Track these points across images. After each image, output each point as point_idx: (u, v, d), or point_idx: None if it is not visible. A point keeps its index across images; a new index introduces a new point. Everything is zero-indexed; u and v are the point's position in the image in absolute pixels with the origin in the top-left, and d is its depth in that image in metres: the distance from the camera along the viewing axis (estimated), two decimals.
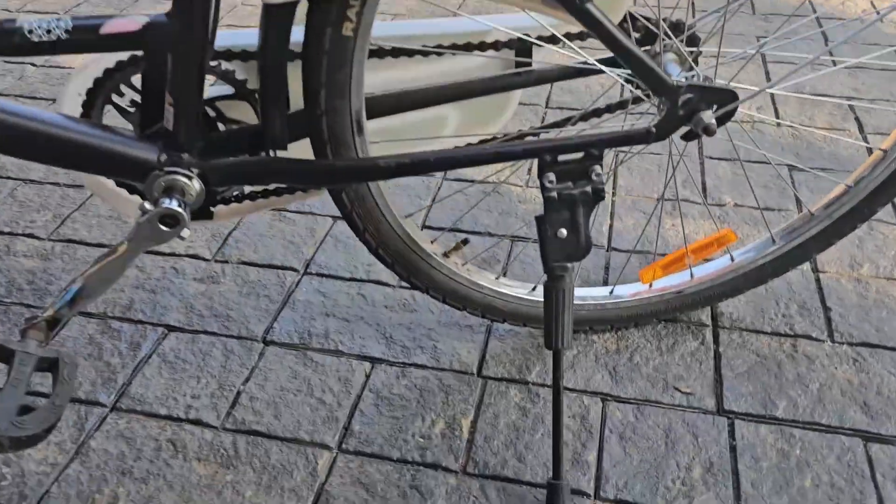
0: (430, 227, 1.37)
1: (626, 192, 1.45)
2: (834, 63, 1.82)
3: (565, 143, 0.82)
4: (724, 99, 0.82)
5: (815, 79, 1.79)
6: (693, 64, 0.87)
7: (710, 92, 0.81)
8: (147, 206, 0.80)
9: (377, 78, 0.89)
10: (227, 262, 1.28)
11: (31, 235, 1.34)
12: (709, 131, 0.81)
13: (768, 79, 1.81)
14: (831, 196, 1.03)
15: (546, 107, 1.72)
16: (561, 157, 0.83)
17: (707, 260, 1.13)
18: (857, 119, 1.66)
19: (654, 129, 0.82)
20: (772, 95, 1.71)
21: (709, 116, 0.81)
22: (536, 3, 0.72)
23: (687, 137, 0.85)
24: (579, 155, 0.83)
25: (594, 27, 0.72)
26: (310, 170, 0.83)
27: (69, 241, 1.33)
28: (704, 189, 1.45)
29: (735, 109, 0.83)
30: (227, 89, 0.87)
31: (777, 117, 1.67)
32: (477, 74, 0.91)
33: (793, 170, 1.49)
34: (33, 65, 1.95)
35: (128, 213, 0.94)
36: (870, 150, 1.54)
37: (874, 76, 1.82)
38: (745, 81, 1.79)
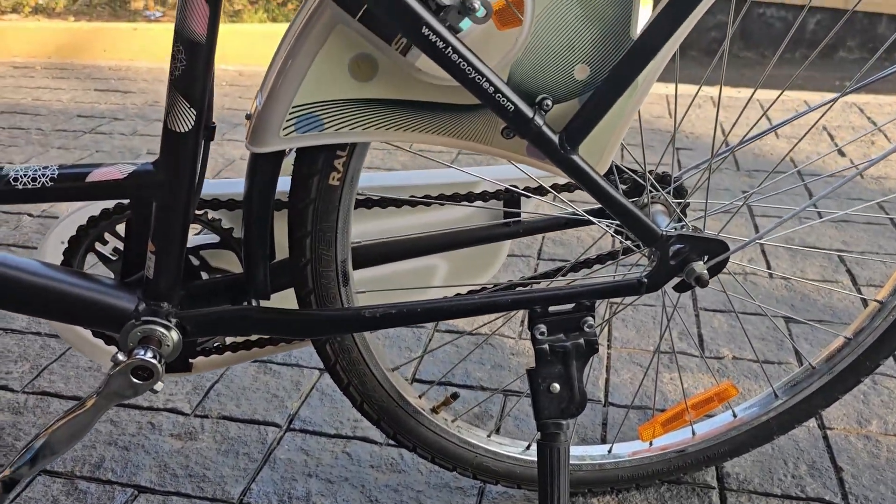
0: (420, 381, 1.32)
1: (621, 344, 1.41)
2: (820, 215, 1.85)
3: (556, 294, 0.80)
4: (715, 249, 0.81)
5: (804, 232, 1.81)
6: (681, 215, 0.86)
7: (700, 242, 0.80)
8: (120, 356, 0.76)
9: (364, 227, 0.89)
10: (207, 416, 1.22)
11: (4, 388, 1.28)
12: (701, 282, 0.79)
13: (757, 231, 1.83)
14: (832, 349, 1.00)
15: (538, 258, 1.72)
16: (552, 309, 0.81)
17: (709, 416, 1.08)
18: (848, 271, 1.66)
19: (645, 280, 0.80)
20: (762, 247, 1.72)
21: (700, 267, 0.80)
22: (524, 156, 0.72)
23: (679, 288, 0.83)
24: (571, 306, 0.81)
25: (582, 179, 0.72)
26: (292, 320, 0.80)
27: (44, 393, 1.27)
28: (701, 341, 1.42)
29: (727, 259, 0.82)
30: (213, 238, 0.86)
31: (769, 269, 1.67)
32: (466, 225, 0.90)
33: (789, 321, 1.47)
34: (30, 215, 1.97)
35: (106, 364, 0.90)
36: (865, 301, 1.52)
37: (860, 229, 1.84)
38: (733, 234, 1.81)
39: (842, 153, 2.34)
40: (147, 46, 3.56)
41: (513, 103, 0.67)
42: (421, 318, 0.79)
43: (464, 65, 0.65)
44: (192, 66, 0.67)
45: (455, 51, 0.64)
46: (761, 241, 0.94)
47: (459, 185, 0.88)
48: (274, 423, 1.21)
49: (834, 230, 1.84)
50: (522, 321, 1.47)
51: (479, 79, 0.65)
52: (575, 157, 0.71)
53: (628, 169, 0.88)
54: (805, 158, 2.30)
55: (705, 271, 0.80)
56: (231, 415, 1.23)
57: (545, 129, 0.69)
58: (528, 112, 0.68)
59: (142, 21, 4.42)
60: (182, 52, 0.67)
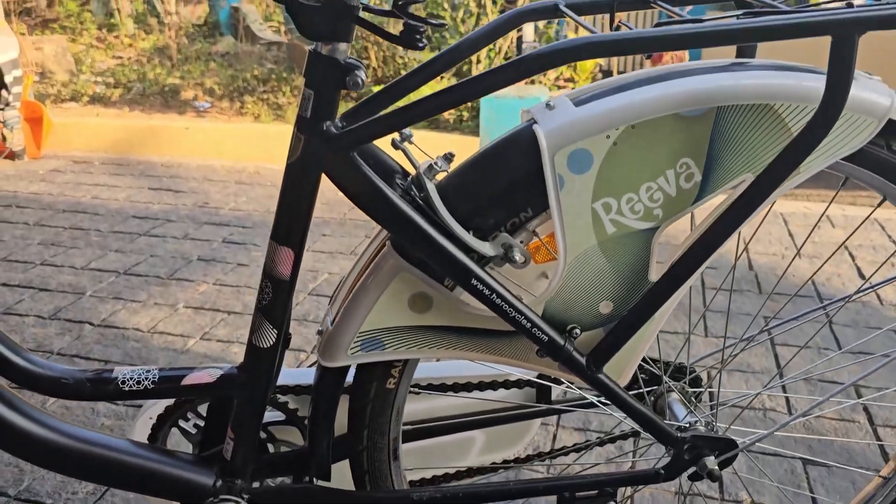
0: None
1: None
2: (839, 345, 1.92)
3: (582, 482, 0.90)
4: (726, 447, 0.90)
5: (823, 365, 1.88)
6: (696, 405, 0.96)
7: (711, 441, 0.90)
8: None
9: (413, 408, 1.00)
10: None
11: None
12: (713, 477, 0.89)
13: (777, 363, 1.91)
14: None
15: (557, 426, 1.77)
16: (579, 494, 0.91)
17: None
18: (865, 409, 1.72)
19: (662, 472, 0.90)
20: (783, 387, 1.80)
21: (712, 462, 0.90)
22: (555, 371, 0.83)
23: (694, 478, 0.93)
24: (595, 492, 0.91)
25: (607, 394, 0.83)
26: (348, 501, 0.91)
27: None
28: (721, 484, 1.49)
29: (736, 455, 0.91)
30: (280, 415, 0.98)
31: (788, 405, 1.74)
32: (503, 405, 1.01)
33: (807, 464, 1.54)
34: (90, 324, 2.12)
35: None
36: (881, 448, 1.59)
37: (878, 361, 1.91)
38: (755, 365, 1.89)
39: (862, 276, 2.42)
40: (197, 145, 3.78)
41: (547, 334, 0.79)
42: (464, 501, 0.90)
43: (506, 306, 0.76)
44: (277, 298, 0.80)
45: (499, 296, 0.76)
46: (777, 432, 1.03)
47: (499, 374, 1.00)
48: None
49: (853, 364, 1.91)
50: None
51: (518, 316, 0.77)
52: (601, 376, 0.82)
53: (648, 359, 0.99)
54: (825, 280, 2.38)
55: (716, 466, 0.89)
56: None
57: (574, 353, 0.81)
58: (560, 340, 0.80)
59: (191, 112, 4.69)
60: (269, 286, 0.80)
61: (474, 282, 0.75)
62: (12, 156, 3.65)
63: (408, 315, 0.79)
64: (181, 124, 3.89)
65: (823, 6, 0.67)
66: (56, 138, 3.85)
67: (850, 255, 2.58)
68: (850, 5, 0.66)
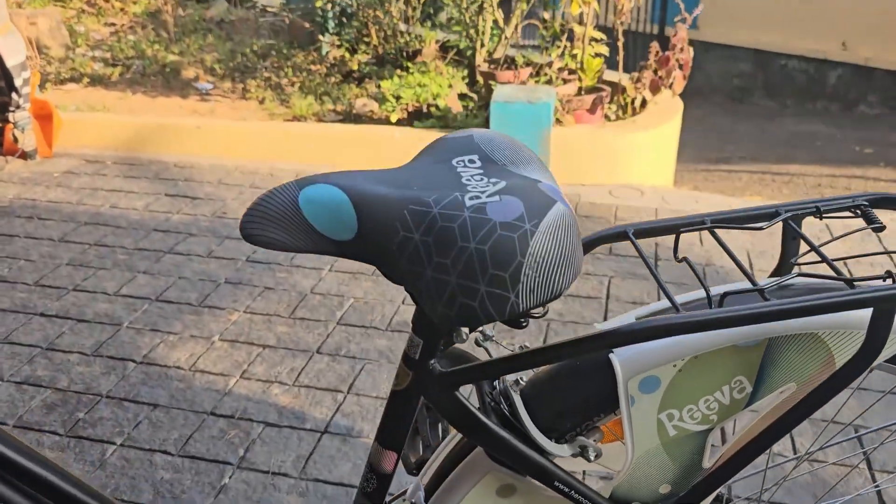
0: None
1: None
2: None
3: None
4: None
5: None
6: None
7: None
8: None
9: None
10: None
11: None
12: None
13: None
14: None
15: None
16: None
17: None
18: (864, 451, 1.88)
19: None
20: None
21: None
22: None
23: None
24: None
25: None
26: None
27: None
28: None
29: None
30: None
31: (794, 448, 1.89)
32: None
33: None
34: (133, 361, 2.22)
35: None
36: (878, 494, 1.74)
37: (874, 396, 2.06)
38: None
39: None
40: (209, 143, 3.81)
41: None
42: None
43: (584, 500, 0.88)
44: (380, 486, 0.91)
45: (577, 491, 0.88)
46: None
47: None
48: None
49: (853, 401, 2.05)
50: None
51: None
52: None
53: None
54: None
55: None
56: None
57: None
58: None
59: (194, 96, 4.69)
60: (374, 478, 0.91)
61: (557, 483, 0.86)
62: (24, 156, 3.68)
63: (494, 500, 0.91)
64: (191, 122, 3.91)
65: (868, 283, 0.76)
66: (66, 135, 3.87)
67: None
68: (890, 277, 0.76)
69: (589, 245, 0.88)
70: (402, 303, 2.50)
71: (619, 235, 0.88)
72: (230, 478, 1.79)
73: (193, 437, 1.92)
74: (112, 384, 2.12)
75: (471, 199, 0.70)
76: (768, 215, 0.88)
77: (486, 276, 0.68)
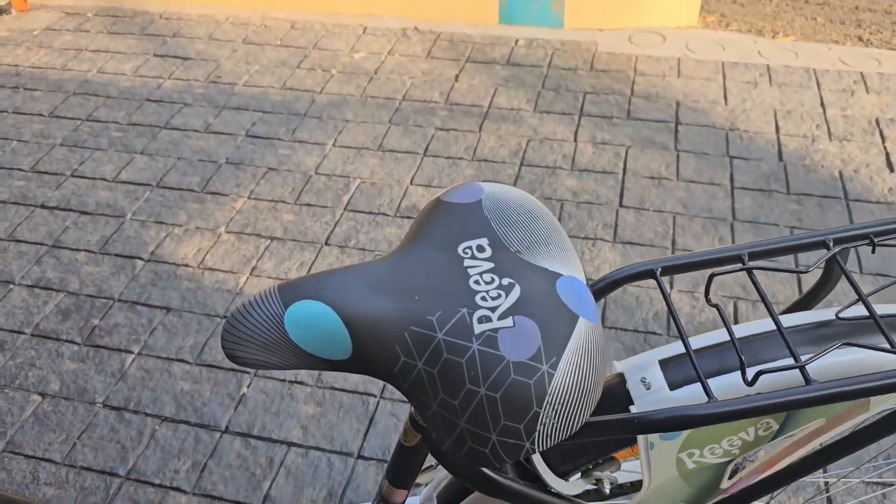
0: None
1: None
2: None
3: None
4: None
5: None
6: None
7: None
8: None
9: None
10: None
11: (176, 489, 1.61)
12: None
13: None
14: None
15: None
16: None
17: None
18: None
19: None
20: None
21: None
22: None
23: None
24: None
25: None
26: None
27: (209, 496, 1.60)
28: None
29: None
30: None
31: None
32: None
33: None
34: (141, 259, 2.20)
35: None
36: None
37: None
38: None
39: (890, 165, 2.43)
40: None
41: None
42: None
43: None
44: None
45: None
46: None
47: None
48: None
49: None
50: None
51: None
52: None
53: None
54: (853, 174, 2.40)
55: None
56: None
57: None
58: None
59: None
60: None
61: None
62: None
63: None
64: None
65: None
66: None
67: (882, 134, 2.55)
68: None
69: (613, 285, 0.80)
70: (411, 183, 2.42)
71: (646, 274, 0.79)
72: (248, 387, 1.83)
73: (209, 343, 1.94)
74: (123, 286, 2.11)
75: (480, 320, 0.61)
76: (813, 245, 0.79)
77: (499, 427, 0.61)
